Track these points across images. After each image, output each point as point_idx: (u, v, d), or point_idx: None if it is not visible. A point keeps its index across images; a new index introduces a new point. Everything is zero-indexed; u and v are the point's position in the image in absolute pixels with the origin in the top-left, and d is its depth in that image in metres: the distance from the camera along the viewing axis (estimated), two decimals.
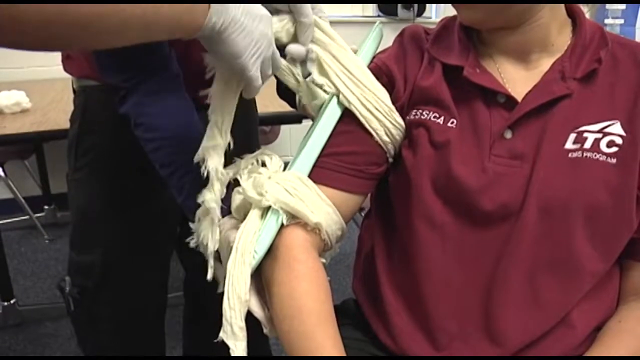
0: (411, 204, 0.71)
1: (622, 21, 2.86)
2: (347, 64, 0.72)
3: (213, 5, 0.59)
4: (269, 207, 0.68)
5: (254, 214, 0.68)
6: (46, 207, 2.72)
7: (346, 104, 0.72)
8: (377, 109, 0.72)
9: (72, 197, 1.08)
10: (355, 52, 0.79)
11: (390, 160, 0.76)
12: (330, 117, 0.72)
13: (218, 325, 0.65)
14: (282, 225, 0.68)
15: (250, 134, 1.18)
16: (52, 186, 2.74)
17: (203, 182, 0.79)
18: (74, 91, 1.06)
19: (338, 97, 0.73)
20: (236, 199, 0.74)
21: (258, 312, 0.68)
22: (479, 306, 0.69)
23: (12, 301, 1.89)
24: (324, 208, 0.70)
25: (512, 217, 0.67)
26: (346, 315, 0.84)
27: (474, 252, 0.69)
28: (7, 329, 1.86)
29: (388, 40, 0.81)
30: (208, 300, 1.24)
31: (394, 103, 0.74)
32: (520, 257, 0.67)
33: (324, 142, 0.72)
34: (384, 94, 0.73)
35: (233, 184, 0.79)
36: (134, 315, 1.10)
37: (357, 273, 0.86)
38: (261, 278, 0.69)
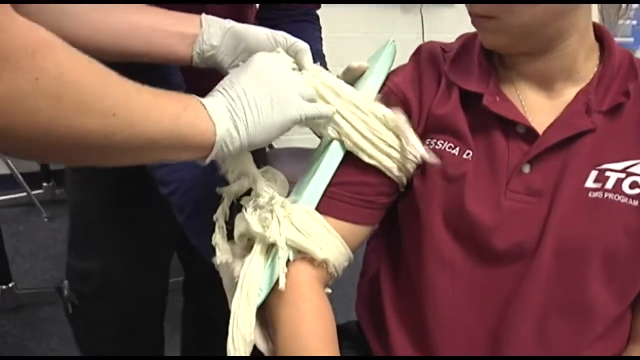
0: (420, 237, 0.69)
1: (631, 40, 2.67)
2: (356, 111, 0.68)
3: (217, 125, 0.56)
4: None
5: (259, 249, 0.66)
6: (45, 183, 2.68)
7: (354, 150, 0.68)
8: (390, 146, 0.68)
9: (70, 198, 1.05)
10: (364, 69, 0.76)
11: (402, 189, 0.73)
12: (339, 146, 0.69)
13: (218, 326, 0.64)
14: (288, 260, 0.65)
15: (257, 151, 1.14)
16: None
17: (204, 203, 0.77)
18: None
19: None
20: (240, 226, 0.71)
21: (262, 345, 0.67)
22: (486, 346, 0.68)
23: (10, 284, 1.88)
24: (331, 242, 0.67)
25: (526, 257, 0.65)
26: (347, 337, 0.83)
27: (485, 291, 0.67)
28: (5, 313, 1.85)
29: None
30: (208, 300, 1.22)
31: None
32: (532, 299, 0.65)
33: (333, 171, 0.69)
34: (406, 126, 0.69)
35: (236, 204, 0.76)
36: (133, 320, 1.08)
37: (361, 295, 0.84)
38: (265, 312, 0.67)
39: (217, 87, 0.61)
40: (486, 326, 0.67)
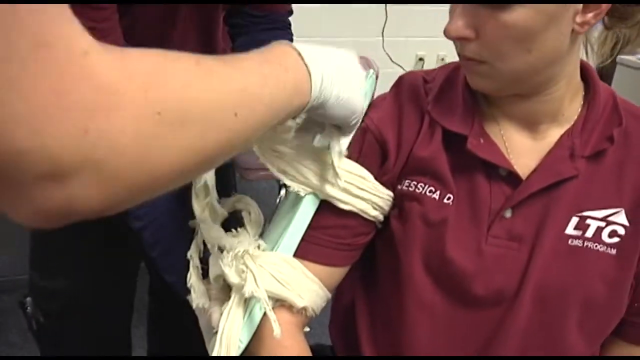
0: (399, 280, 0.68)
1: None
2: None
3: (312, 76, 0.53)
4: None
5: (237, 299, 0.64)
6: None
7: (328, 199, 0.66)
8: (361, 189, 0.66)
9: None
10: None
11: (379, 226, 0.71)
12: (314, 196, 0.67)
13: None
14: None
15: (227, 176, 1.09)
16: None
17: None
18: None
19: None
20: (215, 268, 0.69)
21: None
22: None
23: None
24: (310, 287, 0.67)
25: (506, 302, 0.65)
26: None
27: (463, 333, 0.68)
28: None
29: None
30: (172, 301, 1.19)
31: (383, 175, 0.69)
32: (510, 342, 0.66)
33: (310, 219, 0.67)
34: (365, 172, 0.68)
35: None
36: (101, 333, 1.06)
37: (335, 321, 0.83)
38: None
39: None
40: None
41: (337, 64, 0.57)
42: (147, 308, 1.35)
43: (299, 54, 0.53)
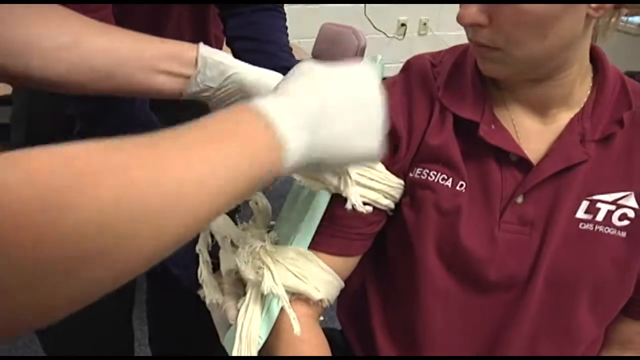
0: (413, 268, 0.69)
1: None
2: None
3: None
4: None
5: (253, 295, 0.64)
6: None
7: (339, 192, 0.64)
8: (372, 179, 0.66)
9: None
10: None
11: (390, 214, 0.71)
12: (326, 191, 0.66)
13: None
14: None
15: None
16: None
17: None
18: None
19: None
20: (227, 263, 0.68)
21: None
22: None
23: None
24: (326, 279, 0.67)
25: (519, 287, 0.66)
26: (330, 343, 0.84)
27: (477, 318, 0.69)
28: None
29: None
30: (168, 283, 1.18)
31: (394, 164, 0.68)
32: (523, 326, 0.67)
33: (323, 212, 0.66)
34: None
35: None
36: (102, 318, 1.04)
37: (343, 307, 0.83)
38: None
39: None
40: (477, 350, 0.69)
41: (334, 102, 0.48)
42: (146, 295, 1.34)
43: (265, 125, 0.42)
